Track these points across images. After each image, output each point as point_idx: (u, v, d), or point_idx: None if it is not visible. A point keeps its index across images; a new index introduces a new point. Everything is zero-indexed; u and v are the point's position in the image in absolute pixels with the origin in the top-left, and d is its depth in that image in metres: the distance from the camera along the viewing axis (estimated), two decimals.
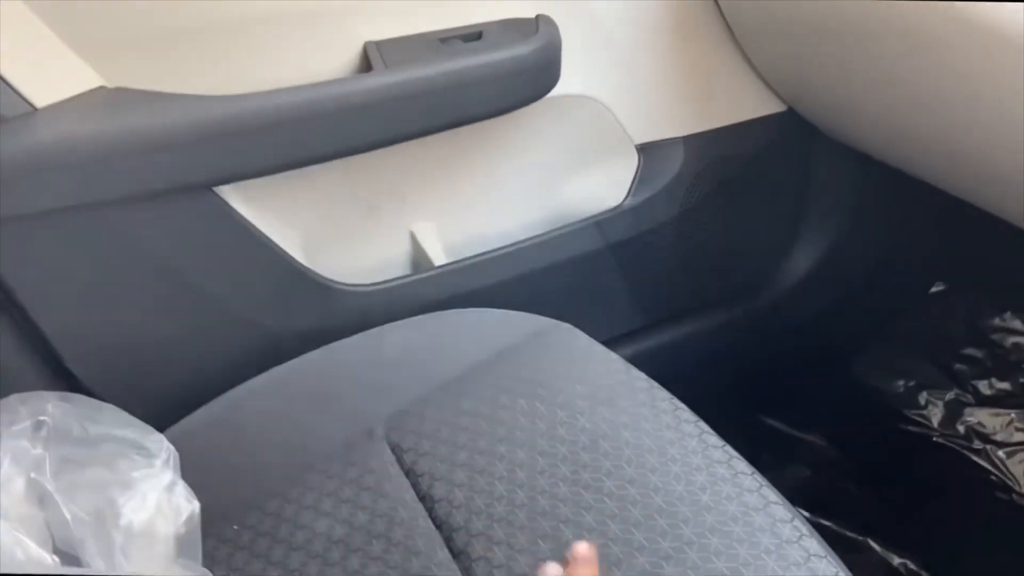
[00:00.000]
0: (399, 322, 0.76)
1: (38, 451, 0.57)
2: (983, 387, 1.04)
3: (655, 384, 0.66)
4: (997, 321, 1.07)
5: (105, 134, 0.65)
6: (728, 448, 0.61)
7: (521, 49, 0.78)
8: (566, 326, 0.75)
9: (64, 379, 0.72)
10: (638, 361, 1.02)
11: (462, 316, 0.77)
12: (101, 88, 0.68)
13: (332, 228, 0.87)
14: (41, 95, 0.64)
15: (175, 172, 0.68)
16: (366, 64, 0.76)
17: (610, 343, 1.01)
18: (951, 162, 0.80)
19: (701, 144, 0.96)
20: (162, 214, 0.70)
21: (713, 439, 0.61)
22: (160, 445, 0.57)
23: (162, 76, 0.70)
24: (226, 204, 0.73)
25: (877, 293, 1.13)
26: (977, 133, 0.71)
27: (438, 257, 0.90)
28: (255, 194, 0.78)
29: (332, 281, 0.82)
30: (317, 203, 0.85)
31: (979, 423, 1.01)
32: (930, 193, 0.86)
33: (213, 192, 0.72)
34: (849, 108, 0.89)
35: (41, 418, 0.58)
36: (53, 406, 0.59)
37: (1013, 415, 1.00)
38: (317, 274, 0.81)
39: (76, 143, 0.64)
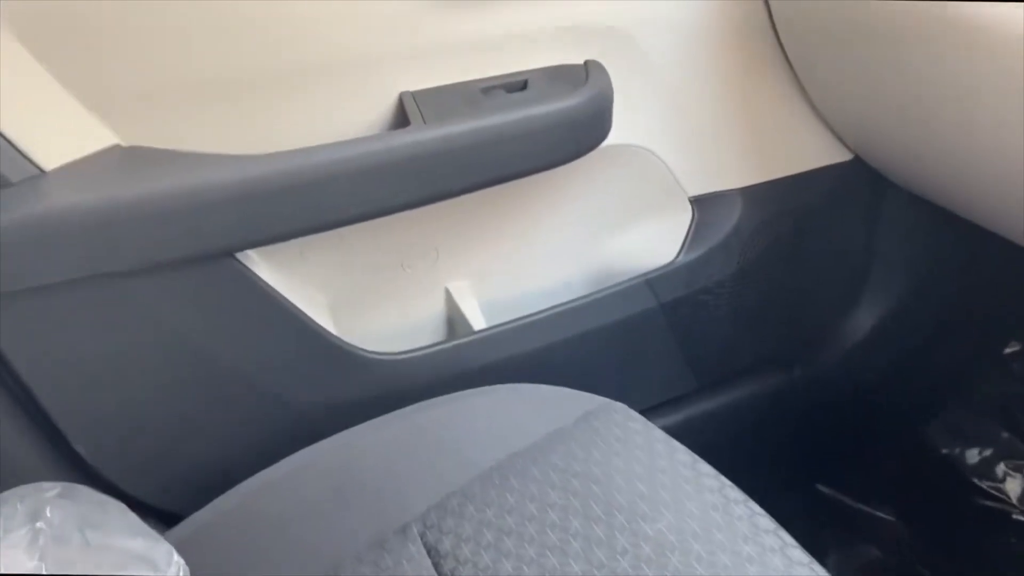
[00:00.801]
0: (436, 400, 0.69)
1: (34, 562, 0.51)
2: None
3: (725, 482, 0.59)
4: None
5: (119, 199, 0.59)
6: (782, 532, 0.53)
7: (570, 101, 0.71)
8: (619, 406, 0.68)
9: (69, 462, 0.66)
10: (691, 427, 0.96)
11: (505, 393, 0.70)
12: (116, 147, 0.62)
13: (362, 289, 0.81)
14: (50, 156, 0.59)
15: (194, 238, 0.62)
16: (402, 116, 0.70)
17: (662, 407, 0.96)
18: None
19: (760, 196, 0.89)
20: (179, 283, 0.64)
21: (767, 526, 0.54)
22: (169, 558, 0.51)
23: (182, 133, 0.64)
24: (248, 270, 0.67)
25: (948, 353, 1.05)
26: None
27: (475, 318, 0.84)
28: (278, 256, 0.72)
29: (362, 350, 0.75)
30: (345, 263, 0.79)
31: None
32: (1004, 246, 0.79)
33: (234, 258, 0.66)
34: (920, 156, 0.81)
35: (38, 524, 0.52)
36: (52, 507, 0.53)
37: None
38: (346, 343, 0.74)
39: (87, 209, 0.58)
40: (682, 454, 0.61)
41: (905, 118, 0.77)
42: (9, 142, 0.57)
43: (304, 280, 0.77)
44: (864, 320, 1.01)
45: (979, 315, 1.04)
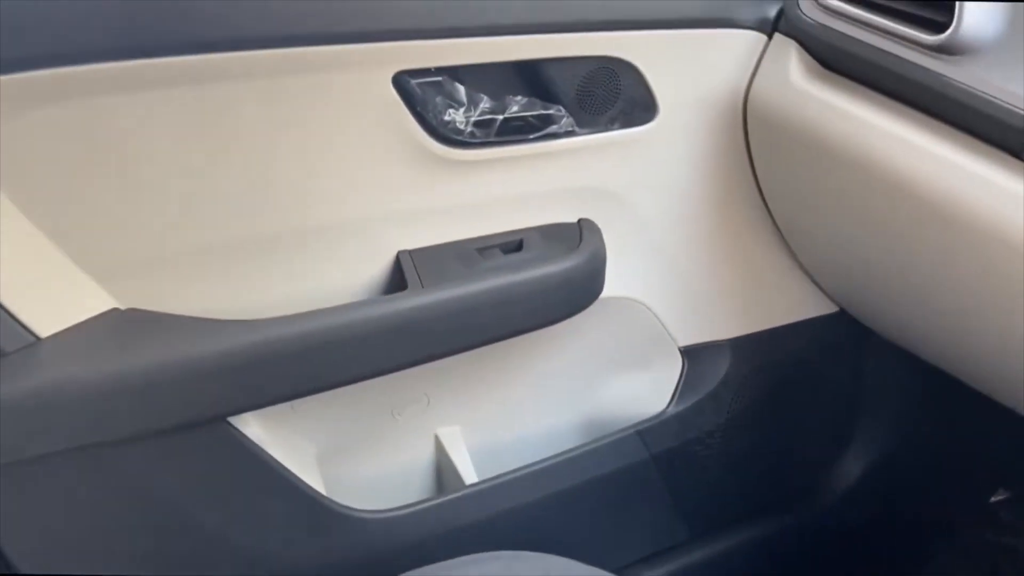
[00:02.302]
0: (420, 571, 0.67)
1: None
2: None
3: None
4: None
5: (115, 369, 0.58)
6: None
7: (566, 262, 0.73)
8: None
9: None
10: None
11: (495, 565, 0.68)
12: (113, 311, 0.62)
13: (351, 438, 0.80)
14: (46, 323, 0.58)
15: (189, 406, 0.61)
16: (399, 275, 0.71)
17: (655, 558, 0.94)
18: (1005, 377, 0.73)
19: (749, 347, 0.90)
20: (170, 450, 0.62)
21: None
22: None
23: (180, 297, 0.64)
24: (239, 433, 0.66)
25: (936, 501, 1.05)
26: None
27: (465, 468, 0.83)
28: (268, 414, 0.71)
29: (352, 509, 0.73)
30: (334, 412, 0.78)
31: None
32: (987, 397, 0.80)
33: (227, 422, 0.65)
34: (901, 312, 0.83)
35: None
36: None
37: None
38: (336, 503, 0.72)
39: (83, 381, 0.57)
40: None
41: (885, 278, 0.79)
42: (5, 310, 0.56)
43: (292, 430, 0.76)
44: (853, 468, 1.01)
45: (966, 464, 1.04)
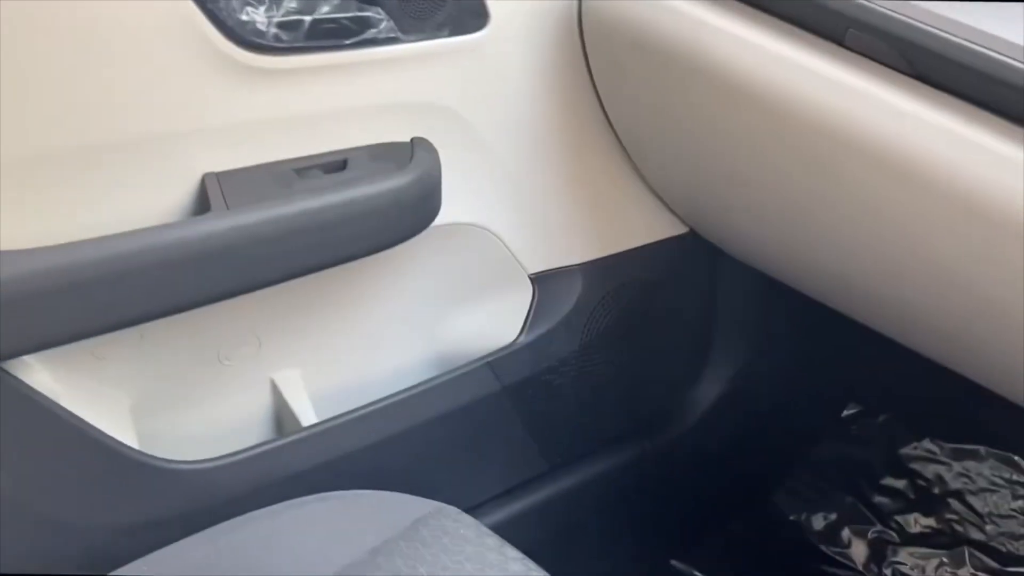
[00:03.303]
0: (251, 515, 0.62)
1: None
2: (908, 524, 0.98)
3: None
4: (916, 448, 1.01)
5: None
6: None
7: (394, 181, 0.67)
8: (451, 510, 0.63)
9: None
10: (543, 510, 0.92)
11: (328, 503, 0.63)
12: None
13: (172, 387, 0.72)
14: None
15: None
16: (205, 200, 0.64)
17: (512, 492, 0.91)
18: (850, 287, 0.74)
19: (600, 271, 0.87)
20: None
21: None
22: None
23: None
24: (19, 381, 0.58)
25: (791, 419, 1.06)
26: (882, 265, 0.65)
27: (305, 413, 0.77)
28: (63, 358, 0.63)
29: (165, 460, 0.66)
30: (150, 357, 0.70)
31: (907, 566, 0.94)
32: (837, 314, 0.80)
33: (2, 369, 0.57)
34: (750, 231, 0.83)
35: None
36: None
37: (944, 557, 0.93)
38: (145, 454, 0.65)
39: None
40: (515, 562, 0.56)
41: (732, 195, 0.78)
42: None
43: (100, 381, 0.68)
44: (709, 390, 1.01)
45: (818, 380, 1.06)
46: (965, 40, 0.49)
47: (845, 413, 1.08)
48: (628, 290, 0.90)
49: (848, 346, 1.03)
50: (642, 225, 0.89)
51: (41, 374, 0.61)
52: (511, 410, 0.86)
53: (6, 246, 0.55)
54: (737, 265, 0.91)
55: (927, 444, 1.01)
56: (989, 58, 0.48)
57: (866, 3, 0.52)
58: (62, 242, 0.57)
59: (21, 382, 0.58)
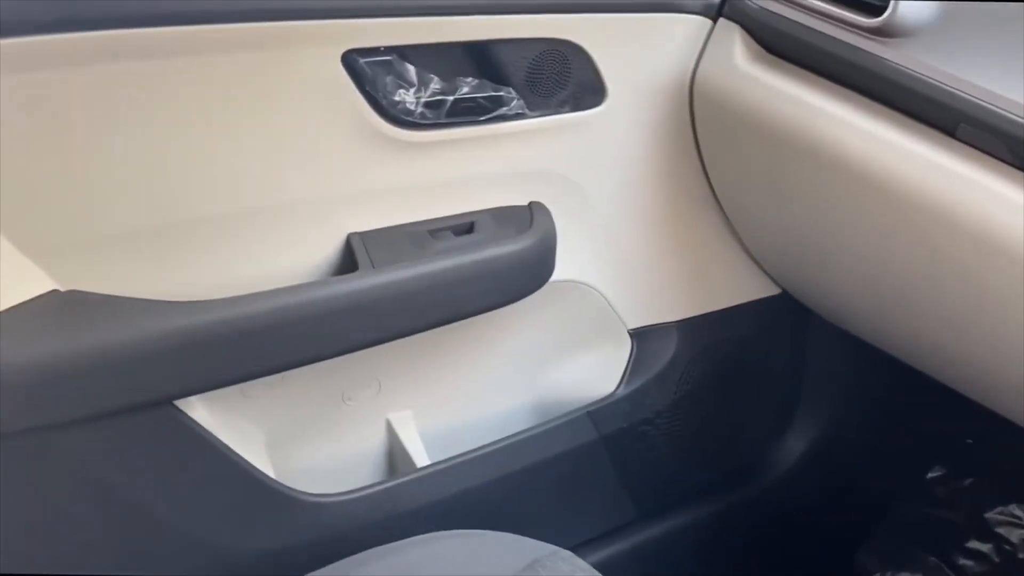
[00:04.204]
0: (380, 550, 0.67)
1: None
2: None
3: None
4: (1001, 512, 1.02)
5: (55, 349, 0.57)
6: None
7: (517, 244, 0.73)
8: (566, 554, 0.67)
9: None
10: (634, 556, 0.96)
11: (450, 542, 0.68)
12: (53, 292, 0.60)
13: (301, 424, 0.79)
14: None
15: (134, 388, 0.60)
16: (350, 258, 0.71)
17: (604, 538, 0.95)
18: (943, 355, 0.77)
19: (695, 328, 0.92)
20: (114, 433, 0.61)
21: None
22: None
23: (122, 278, 0.62)
24: (185, 416, 0.65)
25: (875, 478, 1.08)
26: (971, 334, 0.68)
27: (417, 452, 0.82)
28: (216, 398, 0.70)
29: (302, 493, 0.73)
30: (285, 397, 0.77)
31: None
32: (923, 376, 0.83)
33: (173, 405, 0.64)
34: (840, 294, 0.86)
35: None
36: None
37: None
38: (285, 487, 0.72)
39: (23, 362, 0.55)
40: None
41: (827, 259, 0.81)
42: None
43: (242, 416, 0.75)
44: (796, 446, 1.03)
45: (904, 441, 1.08)
46: None
47: (930, 475, 1.09)
48: (721, 347, 0.94)
49: (935, 407, 1.05)
50: (736, 286, 0.93)
51: (200, 410, 0.68)
52: (608, 457, 0.90)
53: (176, 297, 0.63)
54: (827, 326, 0.94)
55: (1014, 509, 1.02)
56: None
57: (977, 100, 0.56)
58: (228, 295, 0.64)
59: (186, 416, 0.65)
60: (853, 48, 0.64)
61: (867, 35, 0.64)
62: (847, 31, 0.65)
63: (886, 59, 0.62)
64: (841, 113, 0.65)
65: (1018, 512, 1.02)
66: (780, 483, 1.03)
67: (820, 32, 0.67)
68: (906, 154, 0.61)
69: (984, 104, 0.56)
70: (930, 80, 0.59)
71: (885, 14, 0.61)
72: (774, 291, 0.95)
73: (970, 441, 1.06)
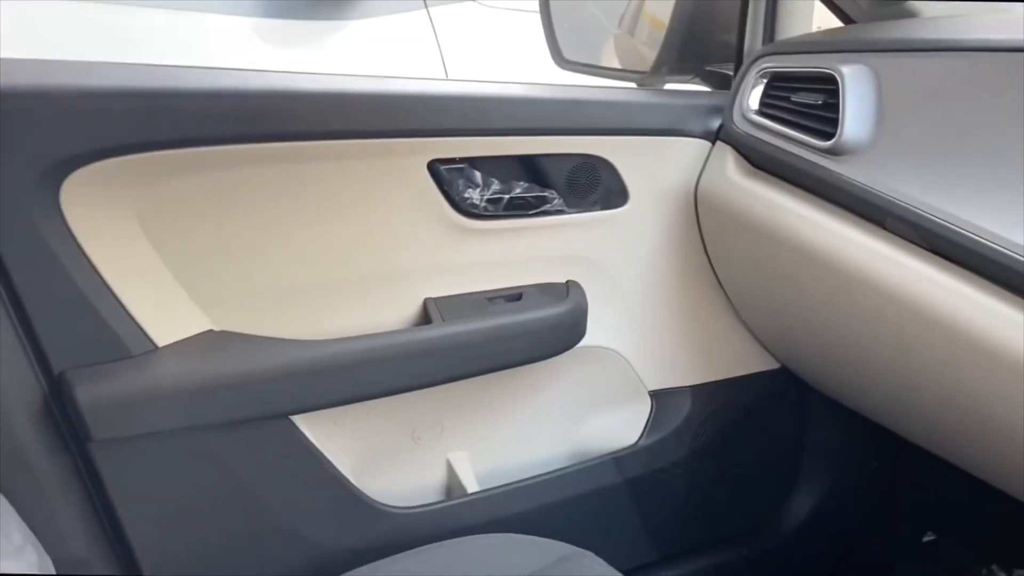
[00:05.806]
0: (438, 544, 0.84)
1: None
2: None
3: None
4: (985, 572, 1.13)
5: (211, 371, 0.77)
6: None
7: (555, 310, 0.93)
8: (590, 554, 0.83)
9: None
10: None
11: (491, 540, 0.85)
12: (209, 331, 0.82)
13: (378, 455, 0.98)
14: (162, 335, 0.78)
15: (261, 403, 0.80)
16: (425, 317, 0.91)
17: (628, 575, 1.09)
18: (933, 430, 0.88)
19: (706, 393, 1.09)
20: (245, 437, 0.81)
21: None
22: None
23: (259, 322, 0.84)
24: (297, 429, 0.85)
25: (874, 540, 1.21)
26: (957, 414, 0.77)
27: (470, 484, 1.00)
28: (317, 423, 0.89)
29: (381, 503, 0.91)
30: (369, 431, 0.96)
31: None
32: (916, 447, 0.96)
33: (289, 420, 0.84)
34: (832, 371, 1.01)
35: None
36: None
37: None
38: (368, 496, 0.90)
39: (186, 379, 0.76)
40: None
41: (815, 341, 0.97)
42: (136, 323, 0.76)
43: (337, 442, 0.94)
44: (802, 504, 1.17)
45: (900, 505, 1.21)
46: (967, 231, 0.70)
47: (925, 539, 1.20)
48: (728, 411, 1.11)
49: (926, 477, 1.18)
50: (741, 359, 1.11)
51: (306, 428, 0.87)
52: (629, 500, 1.06)
53: (297, 337, 0.84)
54: (824, 398, 1.09)
55: (996, 571, 1.12)
56: (984, 244, 0.69)
57: (900, 202, 0.75)
58: (335, 337, 0.85)
59: (300, 430, 0.85)
60: (813, 163, 0.84)
61: (823, 154, 0.83)
62: (810, 151, 0.85)
63: (835, 171, 0.81)
64: (805, 212, 0.85)
65: (999, 574, 1.13)
66: (786, 541, 1.17)
67: (790, 152, 0.87)
68: (849, 241, 0.79)
69: (902, 204, 0.74)
70: (866, 187, 0.78)
71: (834, 139, 0.81)
72: (774, 365, 1.12)
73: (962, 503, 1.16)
